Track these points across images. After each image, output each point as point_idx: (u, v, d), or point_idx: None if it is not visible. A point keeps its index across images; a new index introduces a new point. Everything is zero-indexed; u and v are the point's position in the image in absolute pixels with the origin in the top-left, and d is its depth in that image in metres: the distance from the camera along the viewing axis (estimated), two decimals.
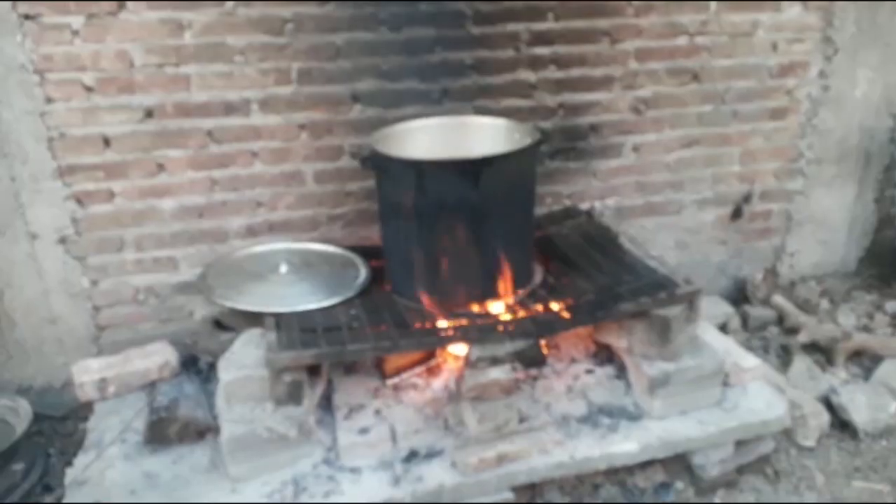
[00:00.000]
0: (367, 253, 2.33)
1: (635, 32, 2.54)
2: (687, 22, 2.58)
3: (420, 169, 1.98)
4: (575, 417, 2.08)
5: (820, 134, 2.88)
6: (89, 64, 2.16)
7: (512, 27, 2.42)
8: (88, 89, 2.18)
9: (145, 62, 2.19)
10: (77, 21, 2.11)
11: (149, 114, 2.25)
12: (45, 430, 2.37)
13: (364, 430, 1.97)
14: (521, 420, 1.98)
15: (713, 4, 2.58)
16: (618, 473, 2.10)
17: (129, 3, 2.12)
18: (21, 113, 2.15)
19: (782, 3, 2.64)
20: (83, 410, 2.27)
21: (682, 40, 2.60)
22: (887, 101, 2.91)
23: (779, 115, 2.82)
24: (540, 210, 2.54)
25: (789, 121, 2.84)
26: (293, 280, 2.21)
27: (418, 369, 2.18)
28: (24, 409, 2.26)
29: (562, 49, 2.49)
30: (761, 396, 2.17)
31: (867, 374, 2.55)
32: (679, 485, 2.12)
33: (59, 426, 2.40)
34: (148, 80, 2.21)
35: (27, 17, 2.07)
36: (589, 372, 2.25)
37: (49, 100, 2.16)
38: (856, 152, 2.96)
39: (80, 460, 1.97)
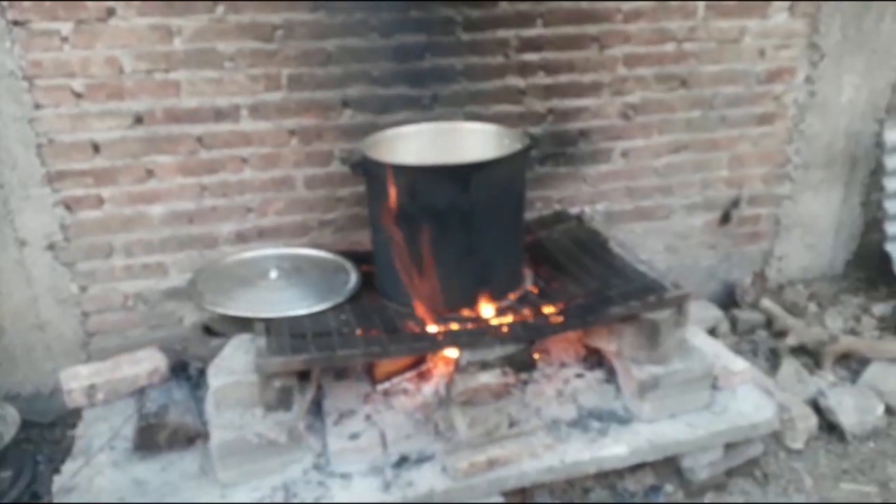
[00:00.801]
0: (357, 258, 2.33)
1: (624, 38, 2.56)
2: (675, 28, 2.60)
3: (410, 174, 1.99)
4: (565, 421, 2.09)
5: (807, 139, 2.91)
6: (78, 70, 2.15)
7: (502, 33, 2.44)
8: (78, 95, 2.18)
9: (135, 68, 2.19)
10: (66, 27, 2.10)
11: (138, 120, 2.25)
12: (33, 437, 2.35)
13: (354, 436, 1.97)
14: (512, 424, 1.99)
15: (701, 11, 2.60)
16: (608, 477, 2.11)
17: (118, 10, 2.12)
18: (9, 119, 2.15)
19: (769, 8, 2.67)
20: (72, 417, 2.26)
21: (670, 46, 2.62)
22: (873, 107, 2.94)
23: (766, 120, 2.85)
24: (530, 215, 2.55)
25: (777, 126, 2.87)
26: (283, 285, 2.21)
27: (408, 374, 2.18)
28: (12, 415, 2.25)
29: (551, 55, 2.51)
30: (750, 399, 2.19)
31: (854, 376, 2.57)
32: (669, 488, 2.13)
33: (48, 433, 2.39)
34: (137, 86, 2.21)
35: (16, 23, 2.06)
36: (579, 376, 2.26)
37: (38, 106, 2.16)
38: (842, 157, 2.99)
39: (69, 467, 1.96)
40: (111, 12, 2.12)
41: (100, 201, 2.30)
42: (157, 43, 2.18)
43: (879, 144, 2.95)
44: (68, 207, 2.28)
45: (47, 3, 2.06)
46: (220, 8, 2.19)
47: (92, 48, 2.14)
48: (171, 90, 2.24)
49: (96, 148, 2.24)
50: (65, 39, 2.12)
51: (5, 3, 2.03)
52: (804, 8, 2.70)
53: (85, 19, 2.11)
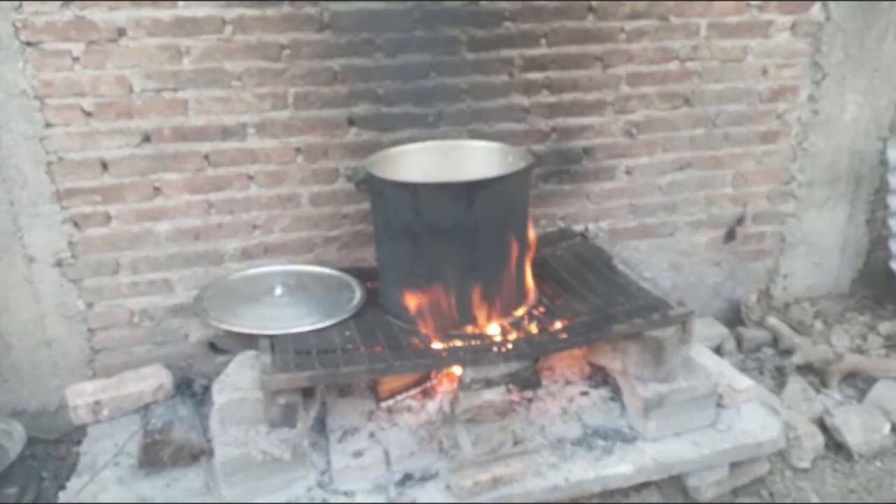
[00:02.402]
0: (362, 275, 2.34)
1: (627, 57, 2.58)
2: (678, 47, 2.62)
3: (415, 192, 2.00)
4: (570, 439, 2.08)
5: (811, 157, 2.92)
6: (89, 89, 2.18)
7: (506, 53, 2.46)
8: (87, 114, 2.21)
9: (144, 87, 2.22)
10: (77, 47, 2.14)
11: (146, 138, 2.27)
12: (38, 454, 2.35)
13: (358, 453, 1.96)
14: (516, 442, 1.98)
15: (703, 30, 2.62)
16: (613, 496, 2.09)
17: (129, 30, 2.15)
18: (21, 138, 2.17)
19: (771, 28, 2.69)
20: (77, 434, 2.27)
21: (673, 65, 2.64)
22: (876, 125, 2.95)
23: (770, 138, 2.86)
24: (534, 232, 2.55)
25: (780, 144, 2.88)
26: (288, 302, 2.22)
27: (413, 391, 2.18)
28: (18, 432, 2.26)
29: (554, 74, 2.53)
30: (755, 418, 2.18)
31: (861, 395, 2.56)
32: None
33: (53, 449, 2.39)
34: (146, 104, 2.24)
35: (28, 43, 2.10)
36: (583, 394, 2.25)
37: (48, 125, 2.19)
38: (846, 175, 3.00)
39: (74, 484, 1.96)
40: (122, 33, 2.15)
41: (107, 218, 2.32)
42: (165, 62, 2.21)
43: (883, 162, 2.95)
44: (76, 224, 2.30)
45: (59, 23, 2.10)
46: (229, 28, 2.23)
47: (102, 68, 2.17)
48: (179, 109, 2.27)
49: (105, 166, 2.27)
50: (76, 59, 2.15)
51: (18, 24, 2.07)
52: (806, 27, 2.72)
53: (96, 40, 2.14)
